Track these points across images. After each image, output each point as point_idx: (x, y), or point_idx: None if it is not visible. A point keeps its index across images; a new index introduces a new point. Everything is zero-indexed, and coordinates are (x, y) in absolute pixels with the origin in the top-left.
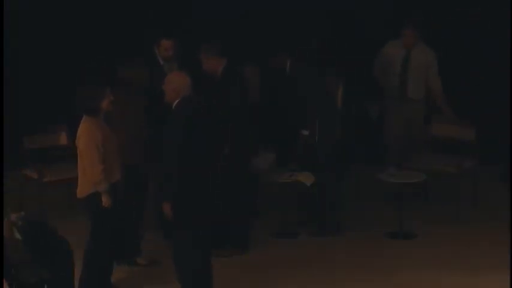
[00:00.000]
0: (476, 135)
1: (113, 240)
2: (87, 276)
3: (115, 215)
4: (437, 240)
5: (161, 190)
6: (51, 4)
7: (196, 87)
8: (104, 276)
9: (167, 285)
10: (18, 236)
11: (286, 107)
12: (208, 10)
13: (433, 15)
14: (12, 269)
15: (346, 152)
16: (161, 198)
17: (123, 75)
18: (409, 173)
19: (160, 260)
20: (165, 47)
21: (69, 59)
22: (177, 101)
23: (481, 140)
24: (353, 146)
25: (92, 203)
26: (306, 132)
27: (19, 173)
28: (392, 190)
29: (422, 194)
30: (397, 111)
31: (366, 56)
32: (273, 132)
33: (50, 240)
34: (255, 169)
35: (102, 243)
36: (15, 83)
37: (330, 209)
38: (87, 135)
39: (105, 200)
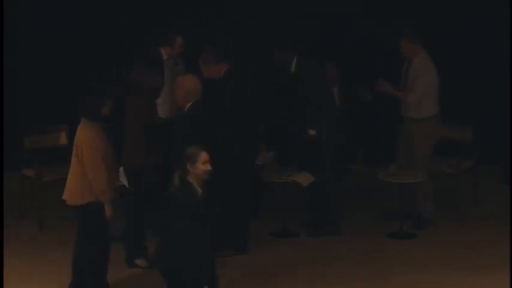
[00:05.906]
0: (474, 136)
1: (108, 243)
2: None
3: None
4: (437, 240)
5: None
6: (51, 3)
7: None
8: (102, 277)
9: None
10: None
11: (289, 105)
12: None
13: (432, 14)
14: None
15: (346, 152)
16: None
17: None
18: (409, 173)
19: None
20: (179, 44)
21: (69, 58)
22: (189, 104)
23: (481, 141)
24: (353, 145)
25: (89, 211)
26: (313, 132)
27: (19, 173)
28: (392, 190)
29: None
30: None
31: (362, 55)
32: (275, 131)
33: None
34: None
35: (98, 248)
36: (15, 83)
37: (329, 209)
38: (90, 142)
39: (108, 211)
